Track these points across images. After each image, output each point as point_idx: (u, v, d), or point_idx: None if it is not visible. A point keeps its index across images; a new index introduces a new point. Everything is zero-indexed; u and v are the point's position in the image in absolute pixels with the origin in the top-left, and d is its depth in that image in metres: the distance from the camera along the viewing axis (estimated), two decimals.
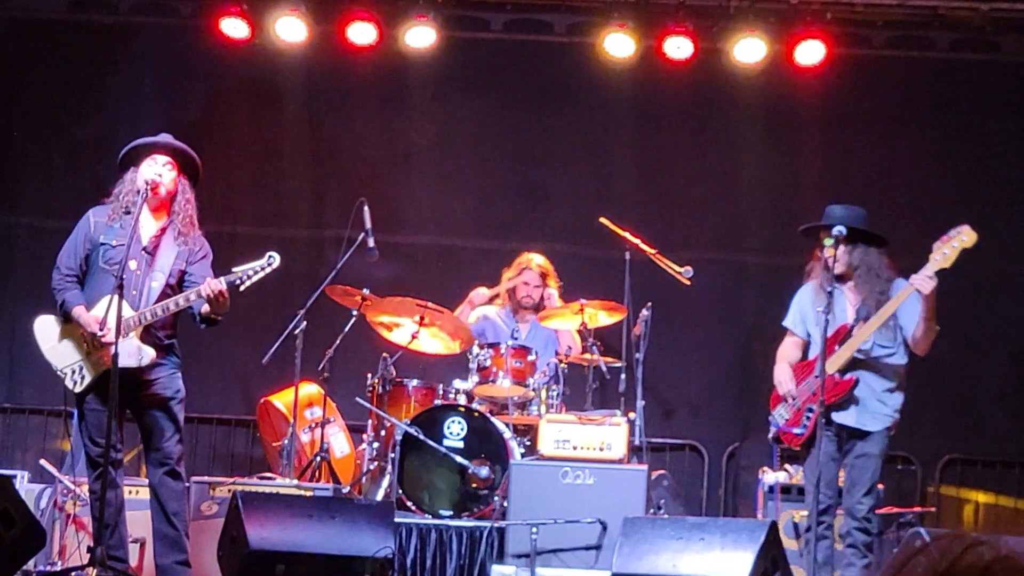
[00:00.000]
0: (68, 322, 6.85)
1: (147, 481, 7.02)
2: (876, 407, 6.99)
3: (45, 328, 6.92)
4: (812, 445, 6.82)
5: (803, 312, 7.24)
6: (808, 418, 6.97)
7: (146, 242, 6.88)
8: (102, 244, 6.84)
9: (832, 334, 6.91)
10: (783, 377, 7.14)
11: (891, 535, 8.19)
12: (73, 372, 6.81)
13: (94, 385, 6.76)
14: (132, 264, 6.75)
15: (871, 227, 7.08)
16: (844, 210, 7.11)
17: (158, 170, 6.91)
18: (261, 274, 6.84)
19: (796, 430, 7.05)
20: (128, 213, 6.87)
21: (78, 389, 6.81)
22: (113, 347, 6.46)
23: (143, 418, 6.88)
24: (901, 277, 7.00)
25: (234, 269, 6.81)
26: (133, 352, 6.69)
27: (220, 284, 6.68)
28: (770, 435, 7.25)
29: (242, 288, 6.81)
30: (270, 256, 6.86)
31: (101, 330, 6.62)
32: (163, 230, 6.94)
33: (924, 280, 6.69)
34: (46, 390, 8.92)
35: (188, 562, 6.84)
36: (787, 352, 7.29)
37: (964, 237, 6.70)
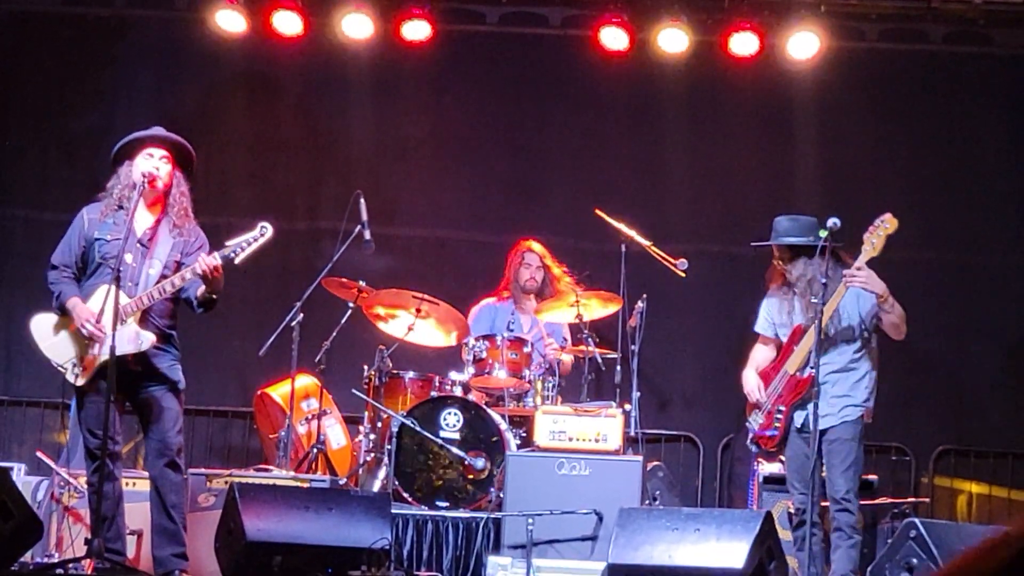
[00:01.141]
0: (65, 316, 6.86)
1: (145, 473, 7.04)
2: (839, 402, 7.07)
3: (42, 326, 6.94)
4: (786, 444, 7.17)
5: (770, 315, 7.46)
6: (778, 419, 7.19)
7: (141, 235, 6.90)
8: (97, 240, 6.86)
9: (790, 335, 7.20)
10: (750, 387, 7.36)
11: (885, 525, 8.23)
12: (73, 366, 6.82)
13: (94, 377, 6.78)
14: (128, 257, 6.77)
15: (813, 232, 7.11)
16: (789, 221, 7.27)
17: (155, 163, 6.93)
18: (255, 245, 6.83)
19: (769, 432, 7.25)
20: (121, 208, 6.89)
21: (79, 382, 6.82)
22: (110, 339, 6.48)
23: (143, 409, 6.90)
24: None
25: (227, 243, 6.82)
26: (132, 338, 6.71)
27: (214, 260, 6.69)
28: (748, 440, 7.45)
29: (237, 261, 6.81)
30: (262, 226, 6.86)
31: (97, 323, 6.63)
32: (158, 223, 6.96)
33: (852, 274, 6.87)
34: (43, 382, 8.95)
35: (185, 555, 6.86)
36: (757, 355, 7.49)
37: (887, 224, 6.89)
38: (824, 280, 6.88)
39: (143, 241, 6.90)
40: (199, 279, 6.75)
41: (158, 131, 7.10)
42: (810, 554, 6.79)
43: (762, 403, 7.26)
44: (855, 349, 7.13)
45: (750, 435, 7.40)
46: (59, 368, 6.87)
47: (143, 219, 6.94)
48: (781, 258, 7.29)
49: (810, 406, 6.88)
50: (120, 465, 6.96)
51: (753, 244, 7.45)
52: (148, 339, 6.76)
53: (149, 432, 6.88)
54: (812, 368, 6.87)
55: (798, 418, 7.15)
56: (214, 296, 6.87)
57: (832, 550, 7.00)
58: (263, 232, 6.86)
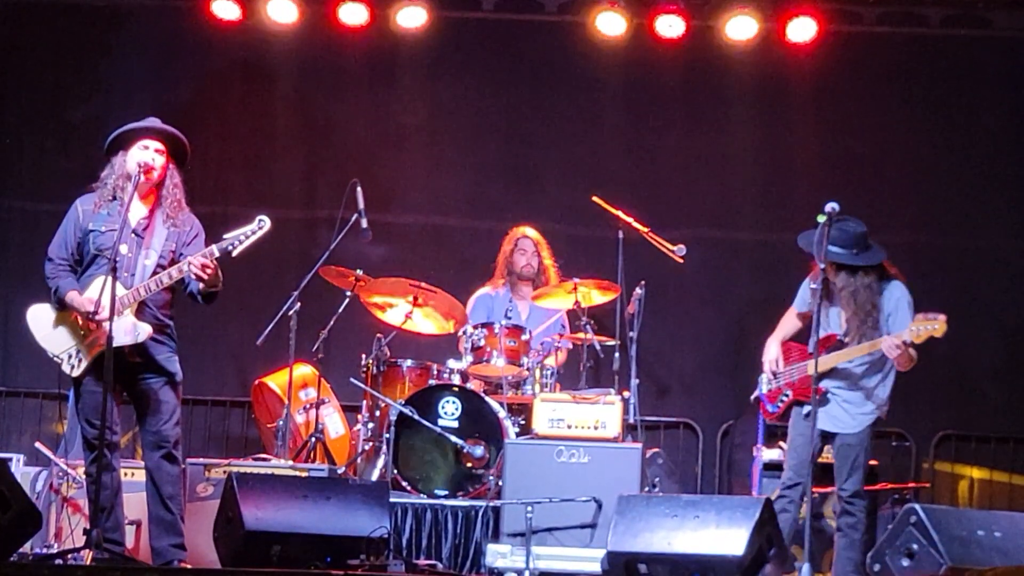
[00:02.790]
0: (62, 308, 6.85)
1: (143, 464, 7.03)
2: (853, 409, 7.22)
3: (38, 316, 6.94)
4: (790, 423, 7.35)
5: (805, 295, 7.47)
6: (782, 401, 7.35)
7: (135, 225, 6.89)
8: (92, 231, 6.86)
9: (823, 338, 7.09)
10: (768, 357, 7.45)
11: (886, 511, 8.22)
12: (70, 357, 6.82)
13: (91, 368, 6.77)
14: (123, 248, 6.76)
15: (869, 237, 7.14)
16: (838, 231, 7.04)
17: (150, 155, 6.92)
18: (253, 238, 6.84)
19: (770, 407, 7.44)
20: (115, 199, 6.88)
21: (75, 373, 6.81)
22: (108, 329, 6.47)
23: (140, 401, 6.89)
24: (897, 280, 7.21)
25: (225, 236, 6.82)
26: (129, 329, 6.71)
27: (202, 259, 6.68)
28: (752, 396, 7.56)
29: (235, 253, 6.82)
30: (260, 219, 6.86)
31: (95, 310, 6.63)
32: (152, 213, 6.96)
33: (891, 347, 6.97)
34: (41, 373, 8.93)
35: (183, 545, 6.87)
36: (786, 324, 7.54)
37: (936, 326, 6.95)
38: (821, 267, 6.90)
39: (138, 232, 6.90)
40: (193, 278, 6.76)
41: (153, 122, 7.08)
42: (808, 542, 6.82)
43: (777, 374, 7.38)
44: (874, 360, 7.20)
45: (756, 392, 7.52)
46: (55, 359, 6.86)
47: (137, 210, 6.93)
48: (829, 221, 6.96)
49: (826, 405, 7.05)
50: (118, 455, 6.96)
51: (801, 245, 7.27)
52: (145, 330, 6.76)
53: (145, 424, 6.88)
54: (819, 380, 7.02)
55: (806, 408, 7.22)
56: (214, 290, 6.87)
57: (836, 549, 7.14)
58: (261, 225, 6.87)
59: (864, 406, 7.22)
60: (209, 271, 6.71)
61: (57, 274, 6.90)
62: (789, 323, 7.55)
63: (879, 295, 7.15)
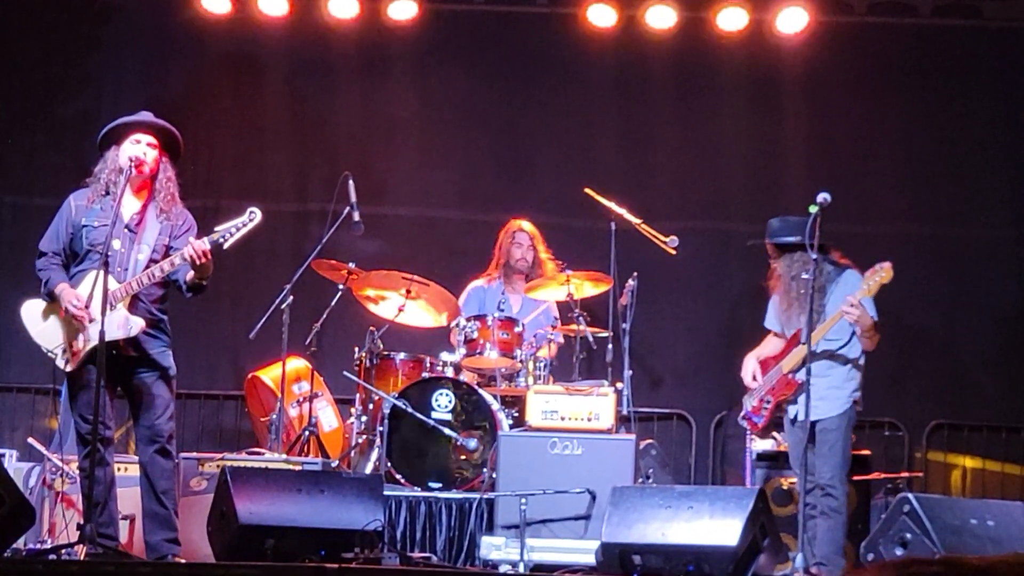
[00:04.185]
0: (55, 302, 6.84)
1: (136, 458, 7.02)
2: (831, 395, 7.29)
3: (32, 312, 6.92)
4: (769, 431, 7.72)
5: (775, 312, 7.68)
6: (765, 408, 7.49)
7: (128, 220, 6.88)
8: (84, 226, 6.84)
9: (791, 336, 7.43)
10: (745, 372, 7.66)
11: (879, 500, 8.23)
12: (63, 351, 6.81)
13: (84, 363, 6.76)
14: (116, 243, 6.75)
15: (798, 231, 7.21)
16: (779, 222, 7.48)
17: (142, 149, 6.90)
18: (244, 230, 6.82)
19: (756, 418, 7.58)
20: (108, 194, 6.87)
21: (69, 368, 6.80)
22: (100, 323, 6.46)
23: (134, 395, 6.88)
24: (850, 269, 7.38)
25: (216, 228, 6.80)
26: (121, 323, 6.69)
27: (203, 244, 6.67)
28: (739, 416, 7.72)
29: (226, 246, 6.80)
30: (251, 212, 6.85)
31: (86, 307, 6.62)
32: (145, 208, 6.94)
33: (848, 308, 7.12)
34: (33, 368, 8.91)
35: (177, 540, 6.85)
36: (766, 346, 7.72)
37: (883, 274, 7.08)
38: (815, 257, 6.99)
39: (131, 226, 6.88)
40: (188, 264, 6.73)
41: (145, 116, 7.07)
42: (804, 536, 6.83)
43: (754, 389, 7.53)
44: (841, 345, 7.32)
45: (742, 413, 7.67)
46: (49, 354, 6.85)
47: (130, 204, 6.92)
48: (771, 256, 7.53)
49: (801, 399, 7.06)
50: (112, 450, 6.94)
51: (750, 243, 7.70)
52: (137, 324, 6.75)
53: (139, 419, 6.87)
54: (795, 372, 7.25)
55: (791, 411, 7.39)
56: (203, 281, 6.85)
57: (819, 532, 7.14)
58: (252, 217, 6.85)
59: (838, 391, 7.30)
60: (205, 259, 6.70)
61: (48, 267, 6.88)
62: (770, 345, 7.71)
63: (826, 280, 7.30)
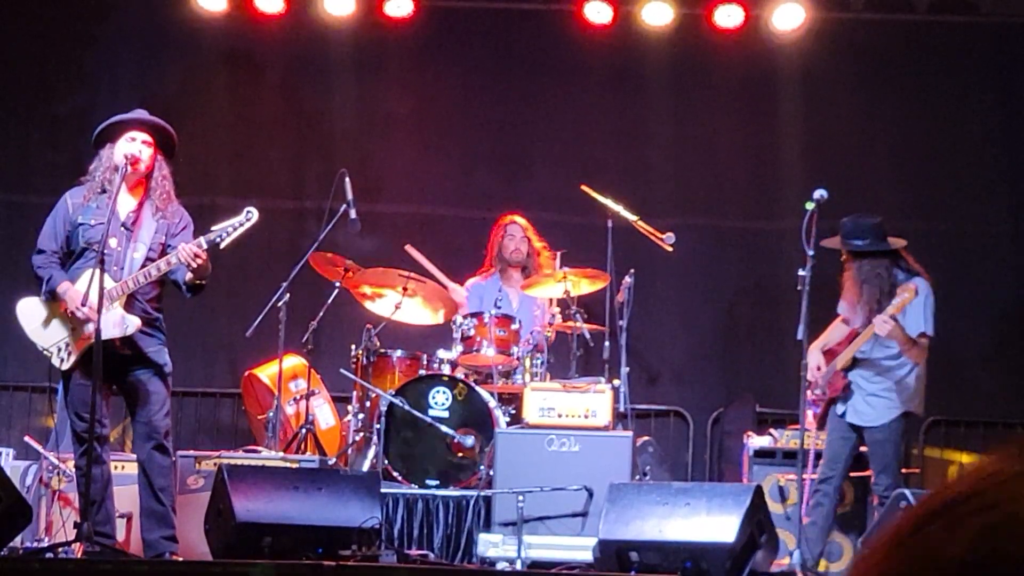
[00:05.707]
0: (52, 301, 6.84)
1: (133, 456, 7.03)
2: (878, 403, 7.36)
3: (28, 310, 6.92)
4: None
5: (847, 301, 7.65)
6: (822, 401, 7.60)
7: (124, 218, 6.87)
8: (81, 224, 6.84)
9: (847, 335, 7.50)
10: (810, 365, 7.55)
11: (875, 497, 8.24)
12: (59, 350, 6.81)
13: (80, 361, 6.76)
14: (112, 241, 6.75)
15: (886, 229, 7.37)
16: (852, 224, 7.42)
17: (137, 147, 6.90)
18: (240, 230, 6.83)
19: (814, 408, 7.65)
20: (104, 192, 6.86)
21: (65, 366, 6.80)
22: (96, 321, 6.46)
23: (130, 393, 6.88)
24: (917, 277, 7.42)
25: (212, 228, 6.81)
26: (118, 322, 6.70)
27: (195, 247, 6.66)
28: (808, 402, 7.70)
29: (223, 246, 6.82)
30: (248, 211, 6.86)
31: (84, 305, 6.62)
32: (140, 205, 6.94)
33: (881, 323, 7.12)
34: (30, 366, 8.89)
35: (175, 537, 6.86)
36: (832, 332, 7.75)
37: (906, 295, 7.14)
38: (812, 253, 7.03)
39: (127, 224, 6.88)
40: (184, 265, 6.74)
41: (140, 114, 7.06)
42: (799, 529, 6.86)
43: (818, 379, 7.56)
44: (896, 352, 7.36)
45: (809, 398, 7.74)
46: (44, 352, 6.85)
47: (126, 202, 6.92)
48: (843, 256, 7.54)
49: (850, 401, 7.31)
50: (108, 448, 6.96)
51: (822, 243, 7.52)
52: (133, 323, 6.75)
53: (136, 416, 6.87)
54: (848, 370, 7.38)
55: (839, 407, 7.46)
56: (202, 281, 6.85)
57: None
58: (248, 216, 6.86)
59: (887, 400, 7.34)
60: (199, 260, 6.69)
61: (47, 264, 6.88)
62: (835, 332, 7.73)
63: (892, 284, 7.30)
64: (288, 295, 8.49)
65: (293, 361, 8.89)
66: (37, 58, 10.52)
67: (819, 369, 7.52)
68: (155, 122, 7.04)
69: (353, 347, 8.65)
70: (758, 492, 6.57)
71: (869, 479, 8.16)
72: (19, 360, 9.67)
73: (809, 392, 7.57)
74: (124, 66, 10.44)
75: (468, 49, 10.56)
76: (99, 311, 6.48)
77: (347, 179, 8.56)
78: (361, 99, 10.50)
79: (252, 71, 10.53)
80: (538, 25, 10.40)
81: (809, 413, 7.63)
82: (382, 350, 8.64)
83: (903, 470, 9.02)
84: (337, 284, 8.62)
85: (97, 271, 6.52)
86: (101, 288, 6.51)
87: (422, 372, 8.50)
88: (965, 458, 9.92)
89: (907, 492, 6.91)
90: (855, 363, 7.36)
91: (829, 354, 7.57)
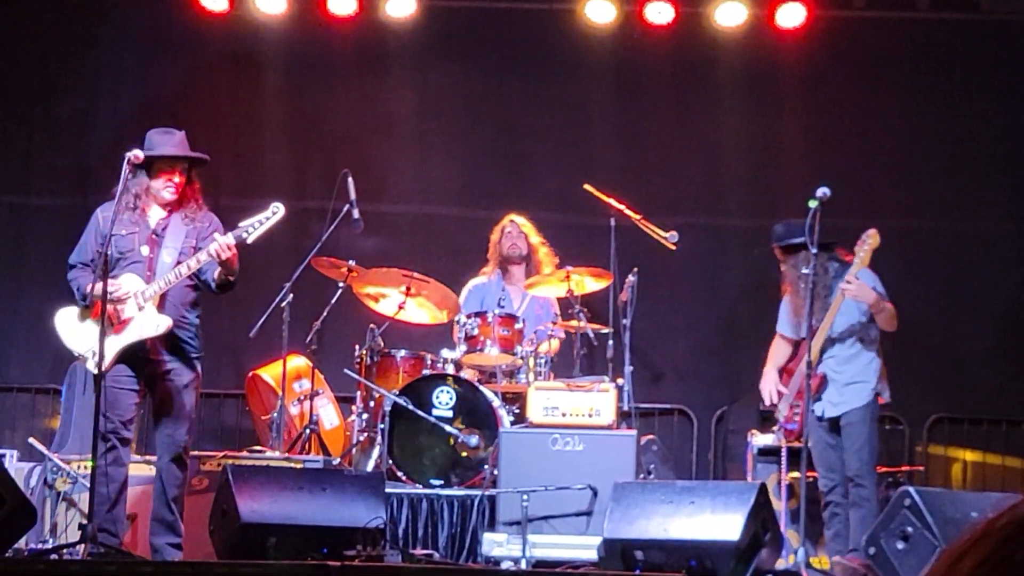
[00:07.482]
0: (87, 308, 6.92)
1: (142, 458, 7.11)
2: (853, 389, 7.47)
3: (65, 319, 7.07)
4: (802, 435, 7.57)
5: (787, 315, 7.83)
6: (797, 413, 7.60)
7: (155, 226, 7.00)
8: (113, 235, 6.91)
9: (796, 350, 7.65)
10: (767, 389, 7.79)
11: (880, 494, 8.22)
12: (94, 354, 6.85)
13: (114, 363, 6.83)
14: (144, 249, 6.89)
15: (800, 232, 7.32)
16: (783, 226, 7.65)
17: (172, 187, 6.99)
18: (267, 224, 6.99)
19: (789, 426, 7.69)
20: (136, 208, 6.97)
21: (98, 371, 6.86)
22: (131, 326, 6.54)
23: (162, 402, 7.02)
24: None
25: (239, 224, 6.92)
26: (150, 322, 6.86)
27: (228, 239, 6.76)
28: (776, 428, 7.85)
29: (249, 240, 6.97)
30: (274, 206, 7.00)
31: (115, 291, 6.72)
32: (170, 213, 7.05)
33: (845, 287, 7.25)
34: (33, 368, 8.91)
35: (181, 545, 6.99)
36: (776, 352, 7.87)
37: (870, 240, 7.24)
38: (814, 252, 7.05)
39: (157, 231, 7.02)
40: (214, 260, 6.80)
41: (179, 149, 7.11)
42: (803, 526, 6.87)
43: (782, 400, 7.65)
44: (857, 339, 7.46)
45: (776, 426, 7.84)
46: (80, 357, 6.96)
47: (156, 212, 7.08)
48: (781, 261, 7.69)
49: (825, 395, 7.33)
50: (128, 450, 7.07)
51: (755, 252, 7.93)
52: (165, 323, 6.87)
53: (161, 424, 7.00)
54: (816, 366, 7.33)
55: (817, 409, 7.47)
56: (231, 278, 6.93)
57: (851, 523, 7.35)
58: (275, 212, 7.01)
59: (861, 384, 7.44)
60: (229, 253, 6.77)
61: (78, 276, 7.07)
62: (778, 351, 7.84)
63: (834, 275, 7.40)
64: (291, 295, 8.49)
65: (297, 361, 8.89)
66: (39, 59, 10.52)
67: (779, 393, 7.65)
68: (196, 157, 7.15)
69: (357, 347, 8.66)
70: (762, 490, 6.57)
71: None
72: (23, 362, 9.68)
73: (779, 411, 7.70)
74: (126, 67, 10.43)
75: (470, 49, 10.56)
76: (101, 313, 6.55)
77: (350, 179, 8.57)
78: (363, 99, 10.50)
79: (254, 72, 10.52)
80: (540, 24, 10.39)
81: (785, 433, 7.72)
82: (386, 350, 8.65)
83: (906, 467, 9.04)
84: (340, 284, 8.62)
85: (131, 275, 6.69)
86: (104, 286, 6.58)
87: (426, 372, 8.50)
88: (968, 455, 9.92)
89: (911, 489, 6.90)
90: (826, 348, 7.39)
91: (787, 372, 7.68)
